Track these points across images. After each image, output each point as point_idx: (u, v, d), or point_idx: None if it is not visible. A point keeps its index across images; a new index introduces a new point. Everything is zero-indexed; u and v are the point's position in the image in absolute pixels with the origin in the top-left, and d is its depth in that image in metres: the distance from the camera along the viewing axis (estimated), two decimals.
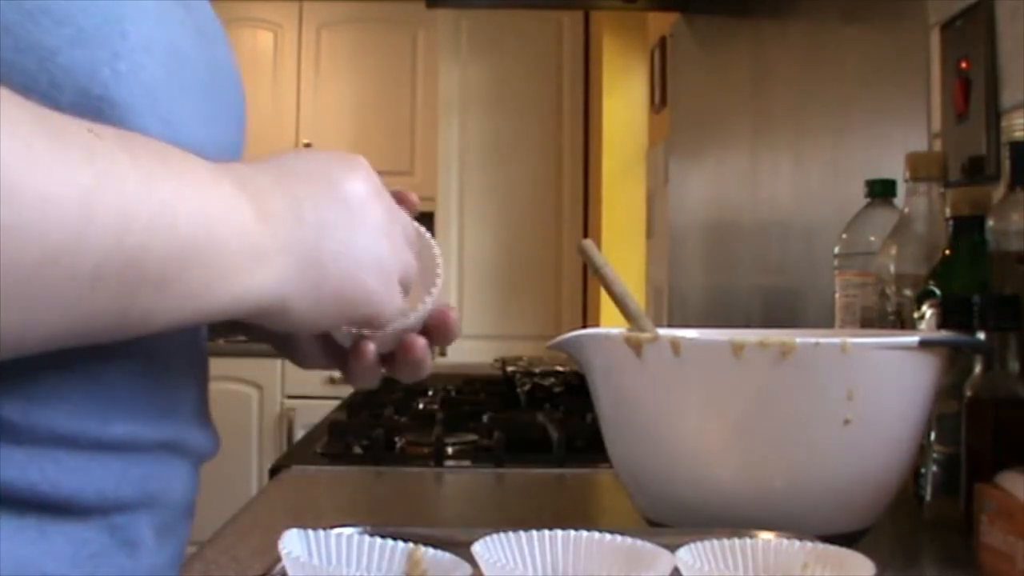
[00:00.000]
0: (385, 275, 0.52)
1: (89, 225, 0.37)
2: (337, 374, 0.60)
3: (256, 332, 0.59)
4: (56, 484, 0.46)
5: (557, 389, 1.84)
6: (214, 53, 0.56)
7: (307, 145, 3.90)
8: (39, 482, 0.45)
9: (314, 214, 0.49)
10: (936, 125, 1.19)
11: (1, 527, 0.44)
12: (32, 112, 0.37)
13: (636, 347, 0.75)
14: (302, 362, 0.62)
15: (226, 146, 0.56)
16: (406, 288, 0.55)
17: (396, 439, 1.38)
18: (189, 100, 0.51)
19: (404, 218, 0.56)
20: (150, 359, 0.51)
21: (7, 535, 0.44)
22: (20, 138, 0.36)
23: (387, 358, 0.60)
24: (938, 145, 1.17)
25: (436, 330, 0.60)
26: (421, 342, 0.59)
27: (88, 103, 0.41)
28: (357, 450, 1.35)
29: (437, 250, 0.61)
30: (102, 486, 0.48)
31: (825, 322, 1.21)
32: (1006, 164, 0.89)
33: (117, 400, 0.48)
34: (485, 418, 1.51)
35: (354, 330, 0.57)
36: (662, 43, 2.68)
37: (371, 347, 0.57)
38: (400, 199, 0.58)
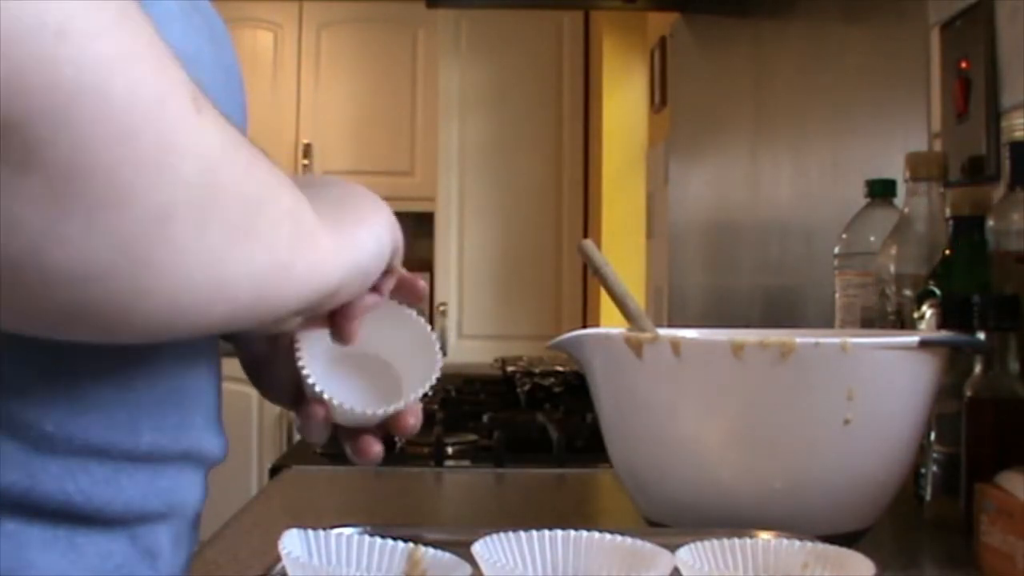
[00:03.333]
0: (389, 236, 0.55)
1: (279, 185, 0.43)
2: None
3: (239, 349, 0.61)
4: (89, 496, 0.46)
5: (557, 389, 1.84)
6: (225, 57, 0.56)
7: (307, 145, 3.90)
8: (73, 493, 0.45)
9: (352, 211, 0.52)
10: (936, 125, 1.19)
11: (35, 539, 0.44)
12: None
13: (636, 347, 0.75)
14: (266, 394, 0.63)
15: None
16: (394, 260, 0.56)
17: (396, 439, 1.38)
18: None
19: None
20: (176, 369, 0.51)
21: (40, 547, 0.44)
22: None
23: (346, 436, 0.60)
24: (938, 145, 1.17)
25: (396, 424, 0.60)
26: (377, 448, 0.60)
27: None
28: None
29: (438, 348, 0.60)
30: (129, 498, 0.48)
31: (825, 322, 1.21)
32: (1006, 164, 0.89)
33: (145, 411, 0.49)
34: (485, 418, 1.51)
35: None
36: (662, 43, 2.68)
37: (371, 446, 0.60)
38: (407, 285, 0.59)
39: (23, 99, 0.30)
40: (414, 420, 0.60)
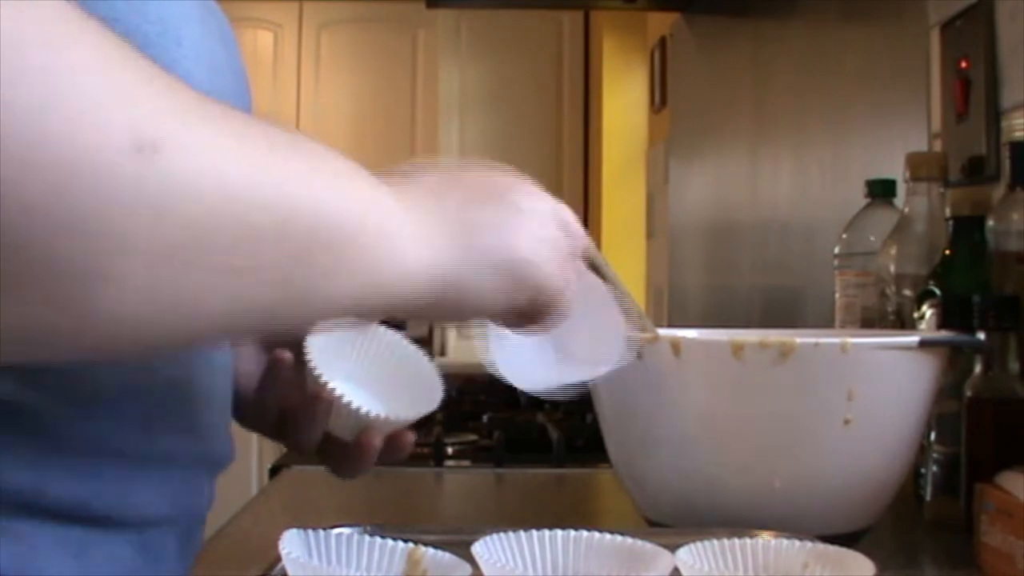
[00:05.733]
0: (556, 250, 0.51)
1: (282, 185, 0.38)
2: None
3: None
4: (101, 499, 0.46)
5: None
6: (234, 59, 0.56)
7: None
8: (85, 496, 0.45)
9: (464, 210, 0.48)
10: (936, 125, 1.19)
11: (45, 542, 0.44)
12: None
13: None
14: (245, 420, 0.62)
15: None
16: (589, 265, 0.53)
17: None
18: None
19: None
20: (191, 371, 0.51)
21: (50, 550, 0.44)
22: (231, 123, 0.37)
23: (330, 448, 0.59)
24: (938, 145, 1.17)
25: (392, 442, 0.59)
26: (376, 441, 0.57)
27: None
28: None
29: (440, 385, 0.60)
30: (140, 501, 0.48)
31: (825, 322, 1.21)
32: (1006, 164, 0.89)
33: (159, 413, 0.49)
34: (485, 418, 1.51)
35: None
36: (662, 43, 2.68)
37: (376, 441, 0.57)
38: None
39: None
40: (407, 441, 0.59)
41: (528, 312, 0.52)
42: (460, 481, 1.27)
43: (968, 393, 0.81)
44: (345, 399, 0.55)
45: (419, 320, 0.50)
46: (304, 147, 0.41)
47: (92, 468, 0.45)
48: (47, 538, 0.44)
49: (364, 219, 0.42)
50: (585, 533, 0.54)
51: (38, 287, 0.31)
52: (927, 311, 0.90)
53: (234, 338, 0.39)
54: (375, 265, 0.42)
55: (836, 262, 1.14)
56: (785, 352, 0.71)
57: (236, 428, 0.59)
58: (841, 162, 1.52)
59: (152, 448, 0.48)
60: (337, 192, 0.41)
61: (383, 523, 0.60)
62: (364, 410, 0.55)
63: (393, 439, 0.59)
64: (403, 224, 0.44)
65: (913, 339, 0.74)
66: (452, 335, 3.63)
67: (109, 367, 0.45)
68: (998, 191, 0.94)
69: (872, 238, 1.08)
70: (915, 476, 0.89)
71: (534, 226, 0.51)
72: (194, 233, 0.34)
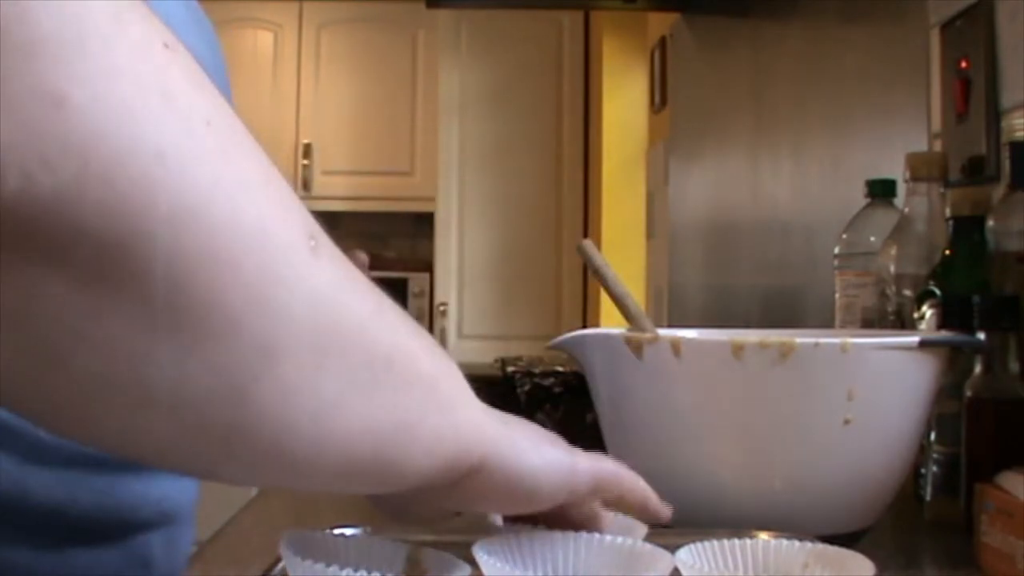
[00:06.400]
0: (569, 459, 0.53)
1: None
2: None
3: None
4: (82, 507, 0.46)
5: (557, 389, 1.84)
6: (220, 65, 0.56)
7: (307, 145, 3.90)
8: (66, 504, 0.45)
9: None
10: (936, 125, 1.19)
11: (26, 550, 0.44)
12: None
13: (636, 347, 0.75)
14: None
15: None
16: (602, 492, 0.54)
17: None
18: None
19: None
20: None
21: (30, 558, 0.44)
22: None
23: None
24: (938, 145, 1.17)
25: None
26: None
27: None
28: None
29: None
30: (123, 508, 0.48)
31: (825, 322, 1.21)
32: (1006, 164, 0.89)
33: None
34: None
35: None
36: (662, 43, 2.68)
37: None
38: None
39: (119, 219, 0.29)
40: None
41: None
42: None
43: (968, 393, 0.81)
44: None
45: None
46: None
47: (73, 477, 0.45)
48: (28, 546, 0.44)
49: (448, 384, 0.45)
50: (585, 533, 0.54)
51: (201, 346, 0.32)
52: (927, 311, 0.90)
53: (350, 475, 0.40)
54: (449, 421, 0.44)
55: (836, 262, 1.14)
56: (785, 352, 0.71)
57: None
58: (841, 162, 1.52)
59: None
60: (436, 364, 0.43)
61: (383, 523, 0.60)
62: None
63: None
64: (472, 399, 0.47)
65: (913, 339, 0.74)
66: (452, 335, 3.63)
67: None
68: (998, 191, 0.94)
69: (872, 238, 1.08)
70: (915, 476, 0.89)
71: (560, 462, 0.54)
72: (343, 336, 0.36)
